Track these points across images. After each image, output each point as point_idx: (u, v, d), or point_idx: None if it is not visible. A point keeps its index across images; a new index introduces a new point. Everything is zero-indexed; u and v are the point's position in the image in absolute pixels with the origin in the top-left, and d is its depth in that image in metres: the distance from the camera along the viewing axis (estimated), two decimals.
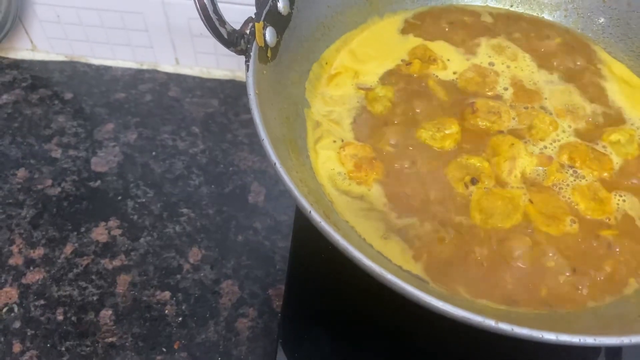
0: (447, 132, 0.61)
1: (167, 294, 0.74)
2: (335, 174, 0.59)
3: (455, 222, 0.55)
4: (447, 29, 0.71)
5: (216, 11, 0.51)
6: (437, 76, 0.68)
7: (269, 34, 0.56)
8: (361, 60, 0.68)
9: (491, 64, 0.69)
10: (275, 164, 0.46)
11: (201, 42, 0.94)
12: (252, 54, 0.53)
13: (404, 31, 0.72)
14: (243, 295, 0.74)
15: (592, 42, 0.72)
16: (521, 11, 0.75)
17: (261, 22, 0.55)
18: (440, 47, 0.70)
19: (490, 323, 0.39)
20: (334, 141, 0.61)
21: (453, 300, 0.48)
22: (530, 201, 0.57)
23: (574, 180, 0.59)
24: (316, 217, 0.43)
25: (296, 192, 0.44)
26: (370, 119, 0.63)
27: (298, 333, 0.62)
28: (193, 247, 0.78)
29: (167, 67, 0.99)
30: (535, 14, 0.75)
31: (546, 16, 0.74)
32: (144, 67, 0.99)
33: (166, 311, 0.72)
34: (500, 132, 0.62)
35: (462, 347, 0.60)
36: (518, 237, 0.53)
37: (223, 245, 0.78)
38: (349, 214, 0.55)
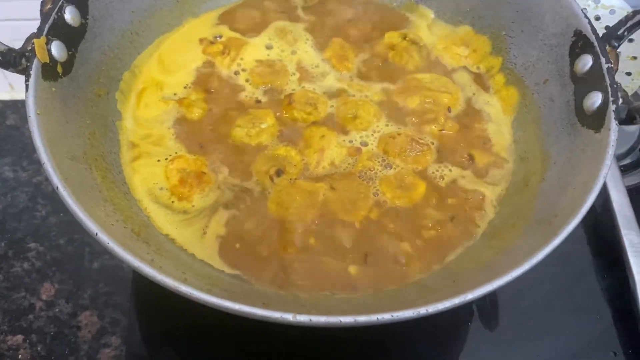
0: (262, 126, 0.60)
1: (20, 337, 0.69)
2: (156, 188, 0.56)
3: (262, 219, 0.55)
4: (254, 21, 0.70)
5: None
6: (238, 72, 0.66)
7: (57, 49, 0.52)
8: (169, 71, 0.65)
9: (269, 46, 0.69)
10: (57, 187, 0.43)
11: None
12: (32, 72, 0.49)
13: (218, 26, 0.70)
14: (104, 324, 0.70)
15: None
16: None
17: (43, 38, 0.51)
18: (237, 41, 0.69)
19: (288, 317, 0.39)
20: (158, 160, 0.58)
21: (261, 297, 0.47)
22: (332, 188, 0.56)
23: (382, 169, 0.59)
24: (103, 238, 0.41)
25: (80, 215, 0.42)
26: (191, 127, 0.61)
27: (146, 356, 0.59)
28: (45, 283, 0.73)
29: (1, 95, 0.92)
30: None
31: None
32: None
33: (19, 356, 0.67)
34: (315, 123, 0.62)
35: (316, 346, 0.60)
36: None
37: (78, 275, 0.73)
38: (169, 226, 0.53)
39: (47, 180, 0.81)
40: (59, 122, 0.50)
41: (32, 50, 0.50)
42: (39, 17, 0.53)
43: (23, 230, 0.77)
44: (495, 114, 0.64)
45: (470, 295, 0.40)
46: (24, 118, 0.89)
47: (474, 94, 0.66)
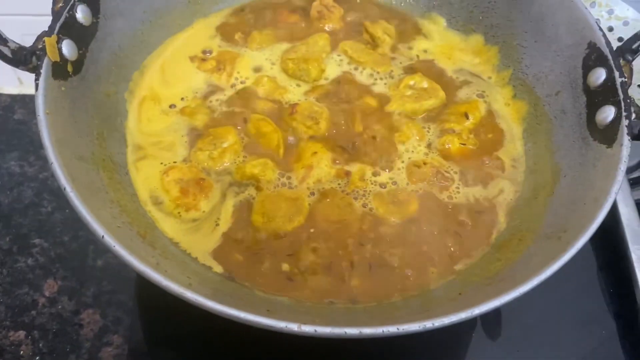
0: (224, 145, 0.58)
1: (22, 333, 0.69)
2: (158, 201, 0.55)
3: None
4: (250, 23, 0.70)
5: None
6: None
7: (67, 48, 0.52)
8: (168, 82, 0.64)
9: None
10: (64, 189, 0.42)
11: None
12: (42, 71, 0.49)
13: (218, 31, 0.69)
14: (106, 322, 0.70)
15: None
16: None
17: (54, 36, 0.51)
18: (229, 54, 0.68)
19: (293, 327, 0.38)
20: (162, 163, 0.58)
21: (264, 303, 0.47)
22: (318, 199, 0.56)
23: (374, 188, 0.58)
24: (109, 241, 0.41)
25: (87, 217, 0.41)
26: (199, 135, 0.60)
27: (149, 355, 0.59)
28: (48, 279, 0.73)
29: (10, 89, 0.92)
30: None
31: None
32: None
33: (21, 352, 0.67)
34: (313, 137, 0.61)
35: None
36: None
37: (81, 272, 0.73)
38: (174, 232, 0.53)
39: (54, 176, 0.82)
40: (68, 122, 0.49)
41: (43, 48, 0.50)
42: (49, 12, 0.53)
43: (28, 226, 0.77)
44: (506, 124, 0.63)
45: (477, 311, 0.40)
46: (32, 113, 0.89)
47: (486, 102, 0.65)
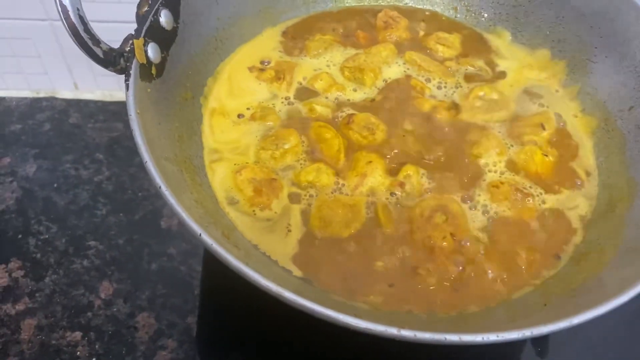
0: (286, 146, 0.59)
1: (78, 334, 0.69)
2: (234, 201, 0.56)
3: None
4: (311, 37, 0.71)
5: (87, 30, 0.48)
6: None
7: (152, 51, 0.53)
8: (234, 93, 0.64)
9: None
10: (160, 187, 0.43)
11: None
12: (132, 72, 0.50)
13: (281, 44, 0.70)
14: (161, 326, 0.70)
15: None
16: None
17: (141, 39, 0.52)
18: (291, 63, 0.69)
19: (392, 331, 0.38)
20: (235, 164, 0.59)
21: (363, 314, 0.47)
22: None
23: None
24: (207, 239, 0.41)
25: (184, 216, 0.42)
26: (272, 136, 0.61)
27: None
28: (103, 281, 0.73)
29: (66, 93, 0.93)
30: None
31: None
32: (41, 94, 0.93)
33: (78, 353, 0.68)
34: (367, 147, 0.60)
35: None
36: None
37: (136, 275, 0.74)
38: (251, 233, 0.53)
39: (108, 179, 0.83)
40: (153, 123, 0.50)
41: (131, 50, 0.51)
42: (130, 19, 0.54)
43: (83, 228, 0.78)
44: (577, 136, 0.63)
45: (575, 320, 0.39)
46: (87, 117, 0.91)
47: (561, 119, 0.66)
